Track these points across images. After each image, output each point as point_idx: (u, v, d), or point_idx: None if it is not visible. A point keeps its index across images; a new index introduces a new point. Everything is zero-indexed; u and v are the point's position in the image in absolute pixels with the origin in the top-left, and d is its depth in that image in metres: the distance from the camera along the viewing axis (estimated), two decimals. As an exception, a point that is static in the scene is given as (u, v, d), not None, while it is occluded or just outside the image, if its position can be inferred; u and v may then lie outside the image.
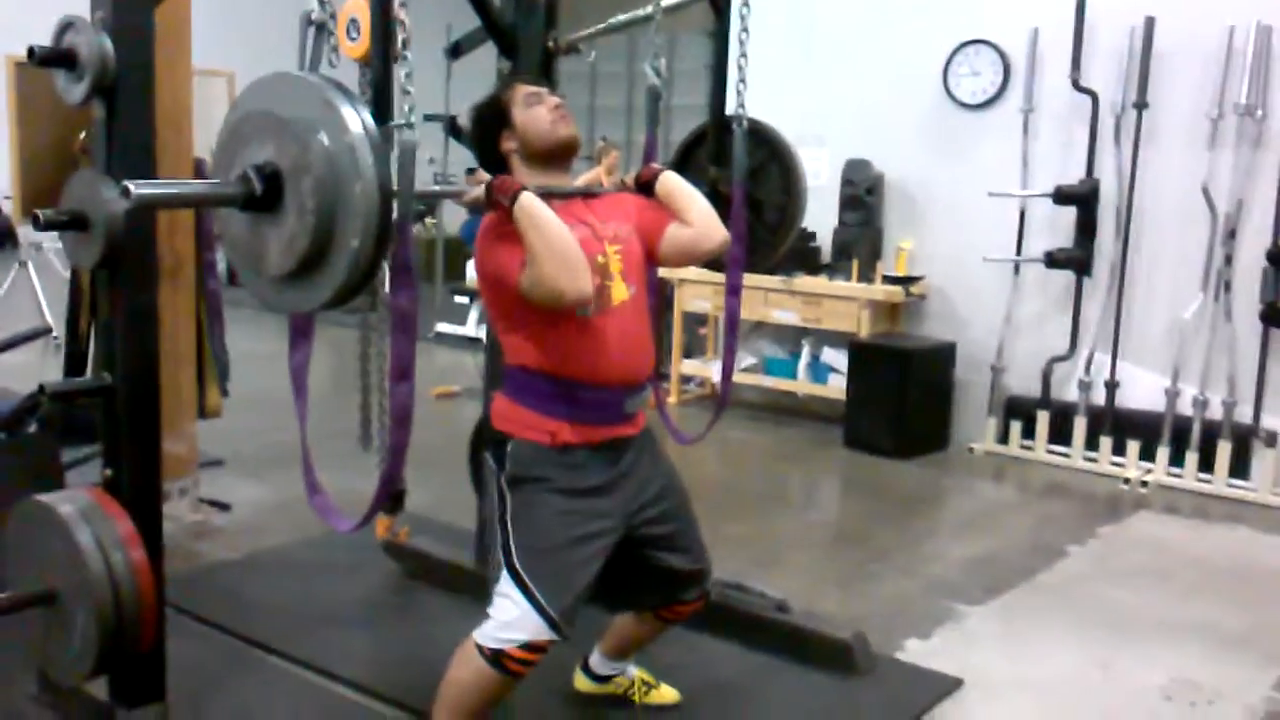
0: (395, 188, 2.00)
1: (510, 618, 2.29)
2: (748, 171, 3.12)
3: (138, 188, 1.90)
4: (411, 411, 2.27)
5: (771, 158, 3.24)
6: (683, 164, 3.36)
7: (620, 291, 2.36)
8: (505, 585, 2.31)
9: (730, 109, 3.20)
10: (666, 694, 2.87)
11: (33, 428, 4.11)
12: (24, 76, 3.89)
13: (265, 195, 1.93)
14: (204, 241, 3.95)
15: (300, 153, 1.90)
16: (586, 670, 2.86)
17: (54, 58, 2.24)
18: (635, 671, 2.86)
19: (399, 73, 2.12)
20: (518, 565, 2.30)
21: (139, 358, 2.35)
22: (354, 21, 4.19)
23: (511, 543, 2.32)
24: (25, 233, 7.49)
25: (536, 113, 2.38)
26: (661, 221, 2.50)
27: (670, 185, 2.53)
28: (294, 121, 1.92)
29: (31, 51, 2.24)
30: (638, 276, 2.42)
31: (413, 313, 2.21)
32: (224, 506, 4.20)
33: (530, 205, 2.18)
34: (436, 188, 2.22)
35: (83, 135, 3.47)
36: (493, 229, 2.29)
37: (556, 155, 2.39)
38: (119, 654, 2.24)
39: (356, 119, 1.89)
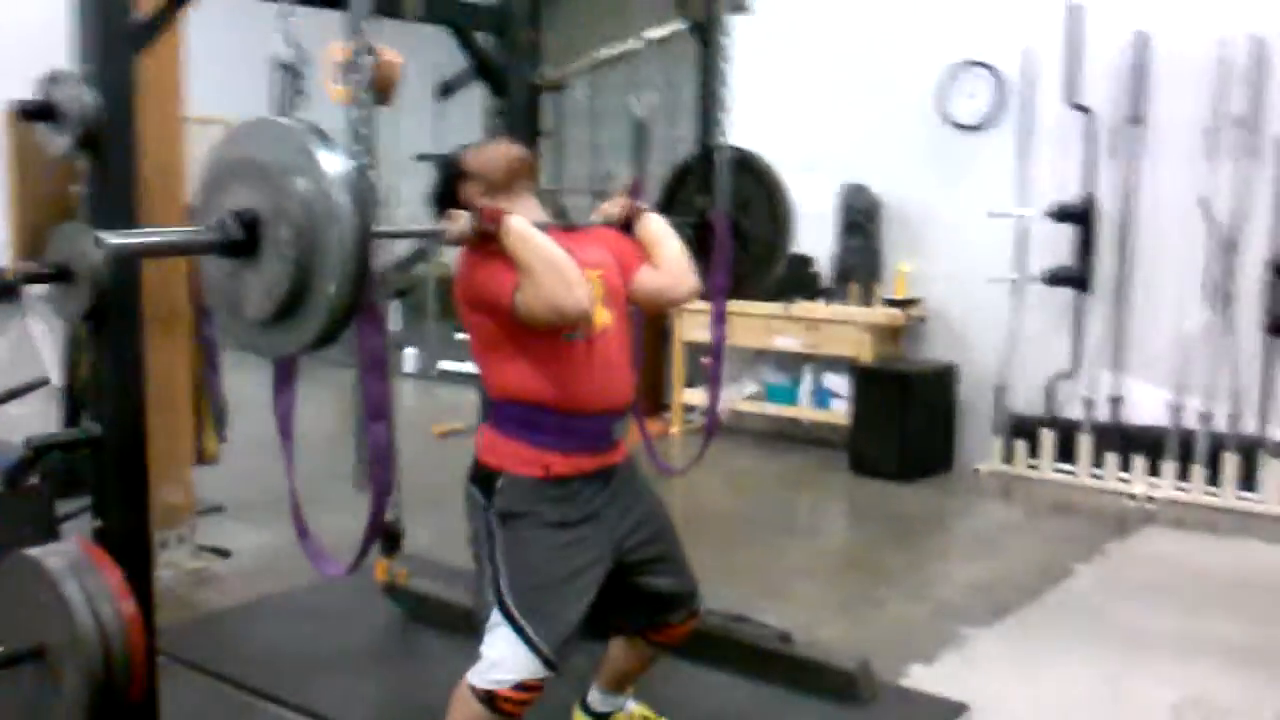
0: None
1: (502, 656, 2.27)
2: (735, 203, 3.12)
3: (111, 238, 1.90)
4: (391, 451, 2.26)
5: (759, 188, 3.24)
6: (671, 196, 3.36)
7: (602, 317, 2.36)
8: (496, 623, 2.29)
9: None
10: None
11: (34, 480, 4.13)
12: (19, 132, 3.90)
13: (244, 241, 1.93)
14: (199, 289, 3.95)
15: (277, 198, 1.90)
16: (585, 708, 2.83)
17: (37, 111, 2.25)
18: (635, 707, 2.83)
19: (358, 114, 2.11)
20: (509, 603, 2.28)
21: (126, 408, 2.34)
22: (340, 66, 4.23)
23: (502, 580, 2.30)
24: (29, 287, 7.52)
25: (485, 150, 2.44)
26: (638, 261, 2.51)
27: (648, 228, 2.55)
28: (270, 166, 1.92)
29: (16, 105, 2.25)
30: (618, 303, 2.43)
31: (382, 352, 2.20)
32: (224, 553, 4.18)
33: (520, 224, 2.21)
34: (417, 227, 2.21)
35: (76, 189, 3.49)
36: (478, 257, 2.29)
37: (518, 170, 2.41)
38: (110, 708, 2.22)
39: (334, 162, 1.89)
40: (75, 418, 3.84)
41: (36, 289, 7.25)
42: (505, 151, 2.43)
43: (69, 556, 2.24)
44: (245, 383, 4.28)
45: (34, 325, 7.11)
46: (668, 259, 2.50)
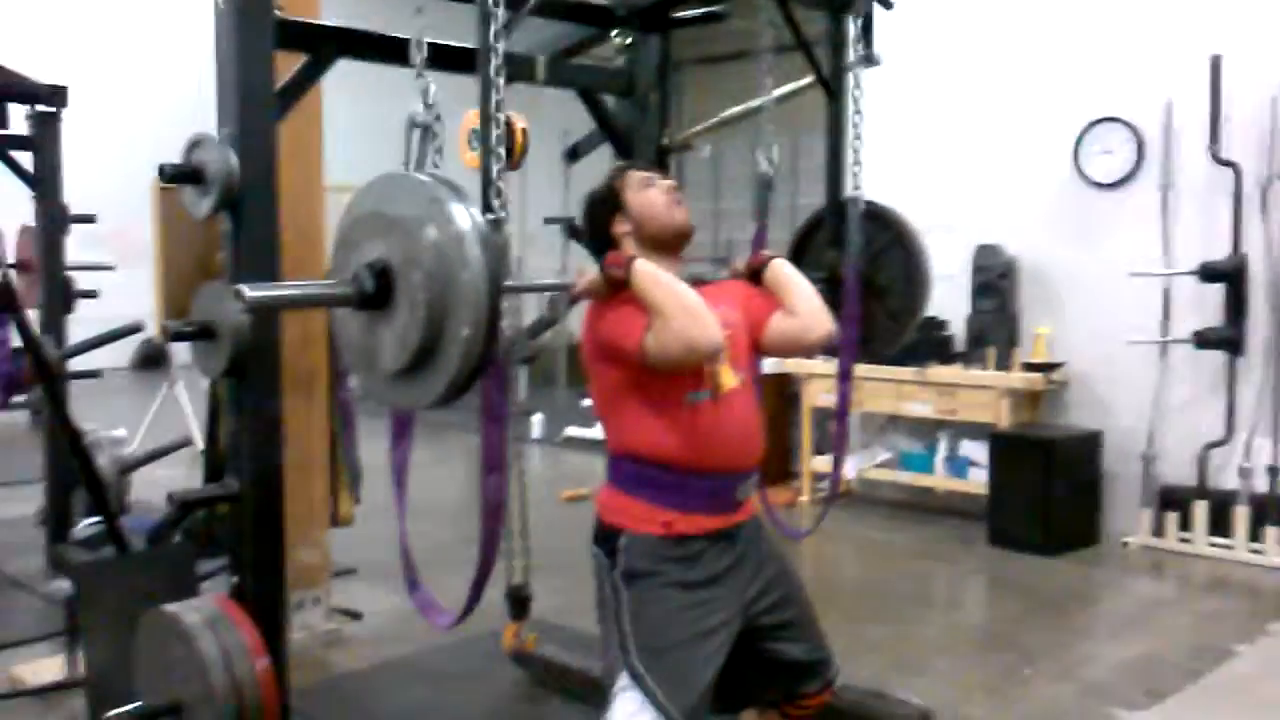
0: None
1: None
2: (869, 256, 3.05)
3: (252, 290, 1.93)
4: (503, 503, 2.24)
5: (894, 242, 3.15)
6: (799, 251, 3.31)
7: (729, 379, 2.32)
8: (624, 686, 2.23)
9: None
10: None
11: (176, 538, 4.24)
12: (166, 200, 4.08)
13: (377, 292, 1.96)
14: (337, 352, 4.04)
15: (409, 247, 1.93)
16: None
17: (183, 174, 2.33)
18: None
19: (494, 168, 2.13)
20: (638, 665, 2.22)
21: (264, 465, 2.38)
22: (475, 132, 4.31)
23: (630, 642, 2.25)
24: (175, 354, 7.83)
25: (651, 195, 2.38)
26: (769, 309, 2.46)
27: (778, 273, 2.50)
28: (402, 218, 1.95)
29: (162, 169, 2.33)
30: (746, 364, 2.39)
31: (503, 407, 2.19)
32: (356, 615, 4.21)
33: (648, 266, 2.21)
34: (548, 280, 2.22)
35: (220, 255, 3.62)
36: (605, 305, 2.28)
37: (670, 241, 2.37)
38: (243, 765, 2.22)
39: (463, 211, 1.91)
40: (216, 479, 3.93)
41: (182, 356, 7.56)
42: (670, 215, 2.37)
43: (206, 613, 2.27)
44: (378, 449, 4.34)
45: (180, 391, 7.40)
46: (801, 301, 2.45)
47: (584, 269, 2.31)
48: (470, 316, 1.84)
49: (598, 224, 2.41)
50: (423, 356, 1.91)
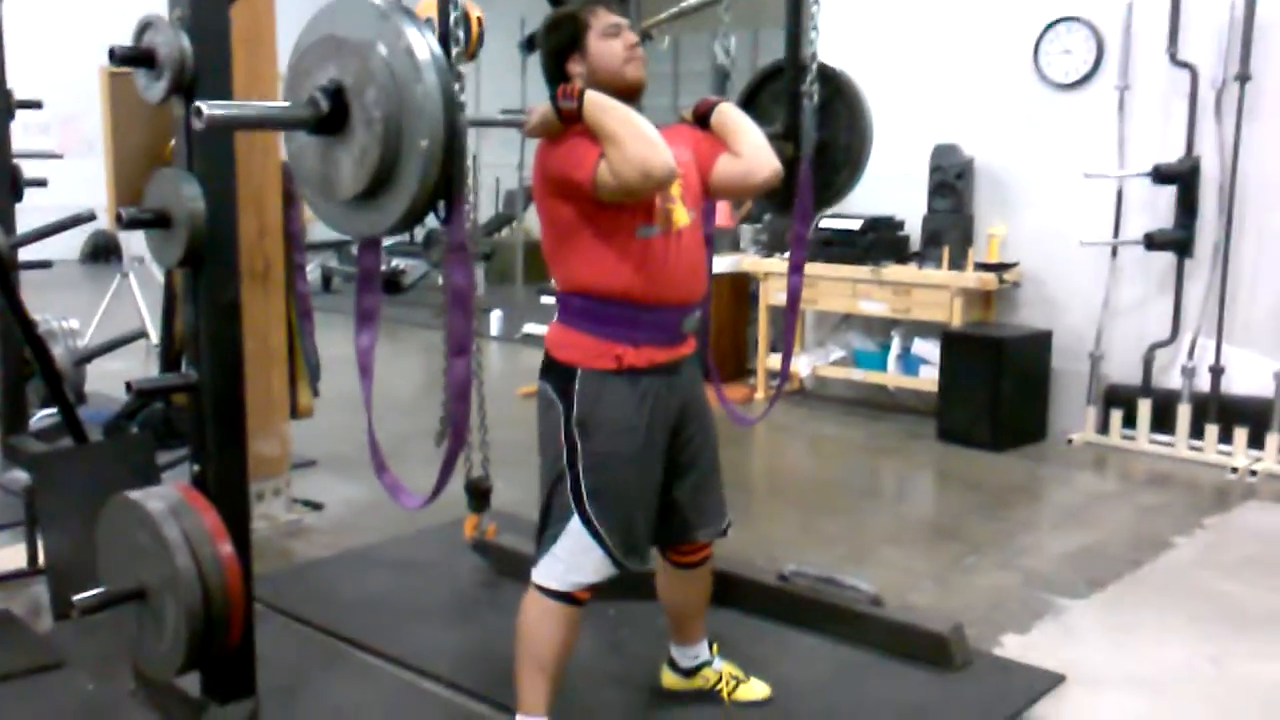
0: (456, 173, 2.01)
1: (580, 562, 2.36)
2: (816, 111, 3.08)
3: (210, 108, 1.91)
4: (469, 386, 2.27)
5: (837, 96, 3.17)
6: (749, 102, 3.30)
7: (681, 216, 2.39)
8: (574, 529, 2.35)
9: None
10: (756, 688, 2.81)
11: (133, 430, 4.23)
12: (117, 87, 3.97)
13: (332, 113, 1.94)
14: (293, 244, 4.00)
15: (361, 66, 1.92)
16: (672, 666, 2.83)
17: (134, 57, 2.27)
18: (723, 665, 2.82)
19: (452, 52, 2.09)
20: (589, 510, 2.34)
21: (224, 354, 2.37)
22: (429, 22, 4.23)
23: (583, 489, 2.34)
24: (128, 245, 7.70)
25: (612, 46, 2.38)
26: (716, 152, 2.51)
27: (725, 116, 2.54)
28: (352, 39, 1.94)
29: (112, 52, 2.27)
30: (696, 203, 2.46)
31: (469, 290, 2.20)
32: (317, 506, 4.25)
33: (601, 96, 2.23)
34: (499, 116, 2.20)
35: (173, 142, 3.54)
36: (556, 140, 2.30)
37: (621, 93, 2.36)
38: (209, 649, 2.26)
39: (412, 27, 1.90)
40: (173, 370, 3.91)
41: (137, 250, 7.44)
42: (624, 72, 2.37)
43: (169, 500, 2.28)
44: (336, 341, 4.33)
45: (131, 282, 7.30)
46: (745, 145, 2.49)
47: (535, 106, 2.32)
48: (428, 128, 1.84)
49: (555, 56, 2.40)
50: (382, 177, 1.90)
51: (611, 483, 2.35)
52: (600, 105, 2.22)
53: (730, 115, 2.53)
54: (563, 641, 2.41)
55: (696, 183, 2.48)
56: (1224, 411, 5.04)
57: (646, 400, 2.37)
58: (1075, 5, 5.40)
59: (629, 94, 2.36)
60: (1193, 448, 5.09)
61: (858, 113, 3.16)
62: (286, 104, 2.10)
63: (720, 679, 2.80)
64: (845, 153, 3.18)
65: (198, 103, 1.93)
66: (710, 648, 2.82)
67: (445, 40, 2.14)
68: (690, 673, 2.81)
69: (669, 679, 2.84)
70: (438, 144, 1.86)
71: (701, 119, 2.56)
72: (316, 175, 2.07)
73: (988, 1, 5.70)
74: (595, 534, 2.33)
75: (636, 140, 2.17)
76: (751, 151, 2.48)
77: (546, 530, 2.40)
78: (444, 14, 2.15)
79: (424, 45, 1.86)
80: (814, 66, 3.03)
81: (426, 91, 1.84)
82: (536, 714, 2.44)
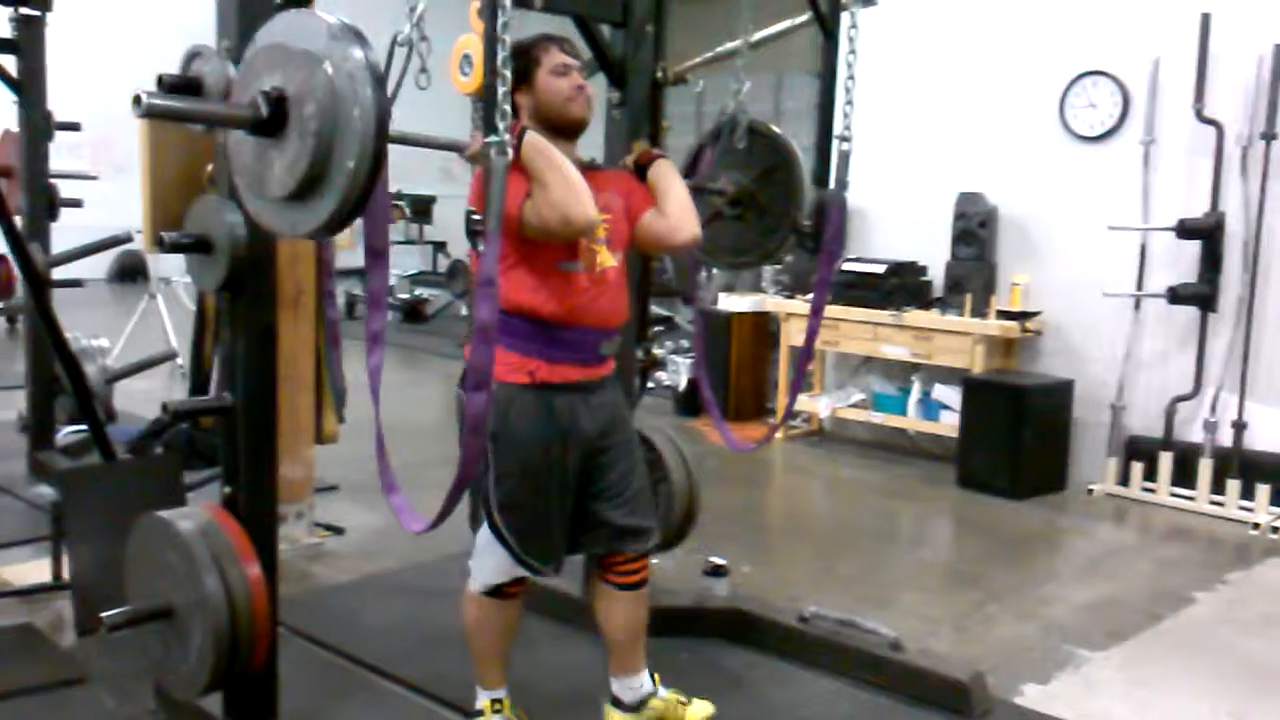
0: (489, 205, 2.08)
1: (494, 566, 2.53)
2: (757, 172, 3.16)
3: (150, 96, 1.95)
4: (485, 421, 2.27)
5: (784, 165, 3.21)
6: (695, 159, 3.31)
7: (606, 258, 2.49)
8: (484, 534, 2.50)
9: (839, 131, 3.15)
10: (701, 709, 2.79)
11: (158, 450, 4.27)
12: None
13: (271, 119, 1.97)
14: (324, 270, 4.04)
15: (305, 80, 1.95)
16: (616, 704, 2.78)
17: (181, 85, 2.32)
18: (666, 693, 2.80)
19: (499, 90, 2.13)
20: (498, 520, 2.44)
21: (259, 378, 2.40)
22: (467, 58, 4.29)
23: (492, 499, 2.43)
24: (156, 267, 7.78)
25: (558, 84, 2.47)
26: (646, 205, 2.60)
27: (659, 172, 2.64)
28: (302, 52, 1.97)
29: (160, 80, 2.32)
30: (622, 246, 2.56)
31: (492, 325, 2.22)
32: (338, 531, 4.27)
33: (538, 139, 2.31)
34: (440, 138, 2.22)
35: (210, 167, 3.60)
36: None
37: (563, 128, 2.47)
38: (233, 670, 2.28)
39: (359, 51, 1.93)
40: (201, 392, 3.95)
41: (165, 271, 7.51)
42: (567, 109, 2.47)
43: (199, 520, 2.31)
44: (361, 368, 4.36)
45: (159, 304, 7.37)
46: (672, 204, 2.59)
47: (478, 134, 2.37)
48: (356, 151, 1.88)
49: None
50: (310, 184, 1.95)
51: (516, 492, 2.44)
52: (536, 148, 2.30)
53: (664, 173, 2.64)
54: (499, 629, 2.65)
55: (625, 230, 2.58)
56: (1246, 467, 5.02)
57: (556, 416, 2.46)
58: (1101, 60, 5.44)
59: (571, 130, 2.49)
60: (1214, 502, 5.07)
61: (796, 189, 3.19)
62: (228, 103, 2.13)
63: (667, 707, 2.77)
64: (781, 220, 3.22)
65: (137, 91, 1.95)
66: (652, 677, 2.79)
67: (491, 78, 2.16)
68: (636, 707, 2.75)
69: (614, 717, 2.78)
70: (365, 165, 1.90)
71: (641, 169, 2.66)
72: (250, 170, 2.11)
73: (1015, 54, 5.74)
74: (505, 543, 2.46)
75: (563, 188, 2.27)
76: (677, 213, 2.58)
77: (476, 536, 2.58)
78: (490, 52, 2.19)
79: (366, 71, 1.91)
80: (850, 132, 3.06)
81: (362, 116, 1.89)
82: (496, 688, 2.70)
